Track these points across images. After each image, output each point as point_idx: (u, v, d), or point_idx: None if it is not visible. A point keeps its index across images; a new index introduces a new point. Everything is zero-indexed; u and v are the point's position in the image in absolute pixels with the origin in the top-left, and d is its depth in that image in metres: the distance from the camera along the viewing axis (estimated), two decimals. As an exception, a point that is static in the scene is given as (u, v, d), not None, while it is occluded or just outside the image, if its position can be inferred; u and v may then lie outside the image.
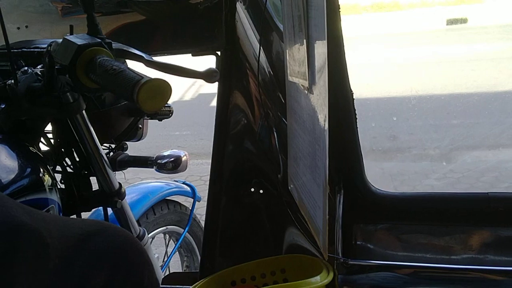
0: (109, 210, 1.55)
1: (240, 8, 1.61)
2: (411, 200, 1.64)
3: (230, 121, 1.69)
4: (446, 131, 5.70)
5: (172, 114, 1.80)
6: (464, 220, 1.59)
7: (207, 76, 1.32)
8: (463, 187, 4.58)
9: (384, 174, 5.00)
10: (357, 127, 1.63)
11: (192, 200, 2.41)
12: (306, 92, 1.23)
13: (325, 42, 1.06)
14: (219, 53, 1.65)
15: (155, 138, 6.03)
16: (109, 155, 1.71)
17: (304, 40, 1.19)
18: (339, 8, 1.47)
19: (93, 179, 1.48)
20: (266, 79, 1.66)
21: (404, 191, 1.87)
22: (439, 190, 4.51)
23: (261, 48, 1.61)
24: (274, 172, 1.71)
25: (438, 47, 9.70)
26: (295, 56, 1.30)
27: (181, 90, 8.45)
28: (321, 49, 1.10)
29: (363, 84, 7.50)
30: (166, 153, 1.83)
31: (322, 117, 1.12)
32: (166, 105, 1.74)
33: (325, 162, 1.12)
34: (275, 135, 1.69)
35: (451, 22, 11.59)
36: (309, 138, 1.26)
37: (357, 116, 1.63)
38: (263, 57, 1.64)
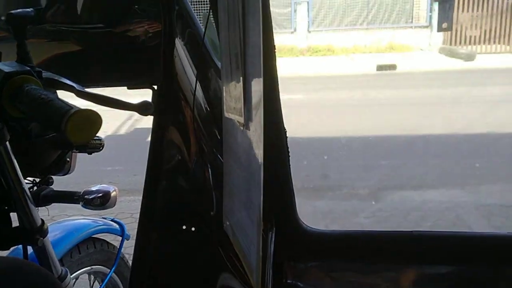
0: (30, 249, 1.45)
1: (178, 43, 1.62)
2: (341, 238, 1.67)
3: (163, 157, 1.66)
4: (375, 171, 5.93)
5: (103, 147, 1.74)
6: (391, 258, 1.64)
7: (141, 108, 1.30)
8: (390, 226, 4.75)
9: (316, 212, 5.09)
10: (289, 165, 1.66)
11: (121, 238, 2.31)
12: (242, 128, 1.24)
13: (261, 79, 1.09)
14: (155, 87, 1.64)
15: (85, 173, 5.80)
16: (33, 189, 1.63)
17: (241, 77, 1.21)
18: (275, 48, 1.52)
19: (14, 215, 1.40)
20: (202, 115, 1.66)
21: (335, 229, 1.91)
22: (368, 228, 4.65)
23: (198, 83, 1.62)
24: (207, 209, 1.69)
25: (369, 91, 10.20)
26: (231, 93, 1.31)
27: (116, 123, 8.26)
28: (257, 86, 1.12)
29: (297, 122, 7.71)
30: (94, 188, 1.76)
31: (258, 153, 1.14)
32: (97, 137, 1.69)
33: (260, 198, 1.13)
34: (210, 171, 1.68)
35: (381, 68, 12.25)
36: (244, 174, 1.27)
37: (289, 154, 1.66)
38: (200, 93, 1.64)
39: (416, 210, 5.01)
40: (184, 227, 1.70)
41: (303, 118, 8.17)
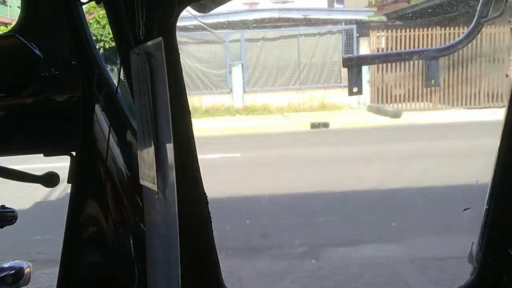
0: None
1: (98, 109, 1.60)
2: None
3: (81, 227, 1.60)
4: (312, 228, 5.98)
5: (16, 219, 1.64)
6: None
7: (46, 180, 1.25)
8: (331, 285, 4.75)
9: (258, 273, 5.02)
10: (212, 231, 1.64)
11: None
12: (156, 196, 1.23)
13: (171, 145, 1.09)
14: (74, 153, 1.59)
15: (11, 243, 5.43)
16: None
17: (152, 143, 1.21)
18: (190, 113, 1.54)
19: None
20: (123, 182, 1.63)
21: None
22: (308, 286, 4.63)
23: (119, 150, 1.60)
24: (129, 283, 1.62)
25: (304, 149, 10.48)
26: (145, 160, 1.31)
27: (46, 189, 7.90)
28: (168, 152, 1.12)
29: (234, 181, 7.72)
30: (6, 265, 1.64)
31: (174, 221, 1.12)
32: (9, 209, 1.60)
33: (178, 268, 1.10)
34: (131, 242, 1.63)
35: (314, 126, 12.66)
36: (163, 242, 1.24)
37: (211, 219, 1.65)
38: (120, 159, 1.62)
39: (354, 267, 5.06)
40: None
41: (240, 176, 8.20)
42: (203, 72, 15.31)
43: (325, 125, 12.59)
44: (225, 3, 1.66)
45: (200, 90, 15.30)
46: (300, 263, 5.27)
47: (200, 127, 12.53)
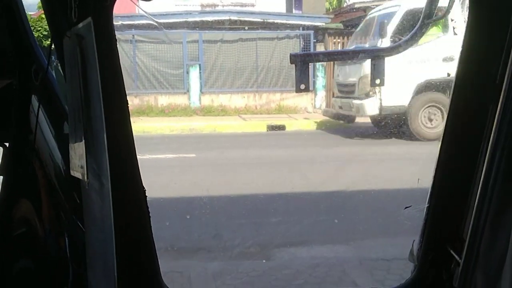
0: None
1: (34, 100, 1.54)
2: None
3: (13, 224, 1.52)
4: (266, 229, 6.00)
5: None
6: None
7: None
8: (281, 284, 4.77)
9: (207, 274, 4.98)
10: (151, 228, 1.61)
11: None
12: (86, 186, 1.19)
13: (104, 133, 1.05)
14: (7, 144, 1.52)
15: None
16: None
17: (83, 132, 1.17)
18: (127, 105, 1.50)
19: None
20: (59, 176, 1.56)
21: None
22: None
23: (55, 141, 1.53)
24: (62, 282, 1.55)
25: (260, 150, 10.52)
26: (75, 149, 1.26)
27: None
28: (100, 141, 1.08)
29: (190, 181, 7.65)
30: None
31: (107, 212, 1.08)
32: None
33: (113, 260, 1.06)
34: (66, 240, 1.56)
35: (271, 128, 12.76)
36: (100, 236, 1.20)
37: (150, 215, 1.61)
38: (57, 153, 1.55)
39: (305, 267, 5.10)
40: None
41: (195, 176, 8.13)
42: (160, 71, 15.13)
43: (281, 127, 12.71)
44: None
45: (156, 89, 15.11)
46: (251, 263, 5.27)
47: (155, 126, 12.38)
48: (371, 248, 5.49)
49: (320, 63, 14.46)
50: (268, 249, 5.50)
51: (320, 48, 15.25)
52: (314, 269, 5.03)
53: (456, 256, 1.74)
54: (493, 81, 1.64)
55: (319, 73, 15.26)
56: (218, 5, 16.92)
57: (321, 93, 15.35)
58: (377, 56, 1.79)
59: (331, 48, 15.14)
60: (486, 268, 1.65)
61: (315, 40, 15.44)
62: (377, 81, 1.82)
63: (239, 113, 14.85)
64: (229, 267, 5.12)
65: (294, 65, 1.75)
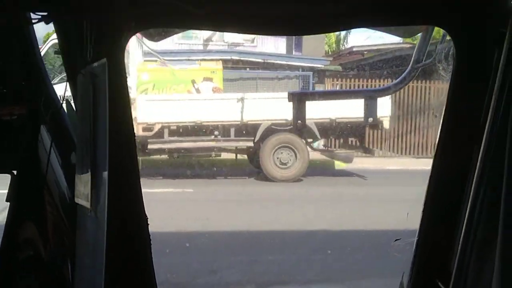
0: None
1: (43, 130, 1.61)
2: None
3: (18, 248, 1.57)
4: (261, 266, 5.97)
5: None
6: None
7: None
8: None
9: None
10: (151, 257, 1.65)
11: None
12: (89, 213, 1.25)
13: (106, 164, 1.12)
14: (15, 172, 1.59)
15: None
16: None
17: (90, 162, 1.24)
18: (134, 136, 1.57)
19: None
20: (64, 204, 1.62)
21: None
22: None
23: (63, 171, 1.60)
24: None
25: (258, 187, 10.56)
26: (81, 178, 1.33)
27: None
28: (103, 172, 1.15)
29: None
30: None
31: (101, 238, 1.13)
32: None
33: (101, 285, 1.11)
34: (69, 265, 1.61)
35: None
36: (90, 261, 1.25)
37: (151, 243, 1.66)
38: (63, 182, 1.62)
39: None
40: None
41: (193, 212, 8.12)
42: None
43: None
44: (173, 35, 1.74)
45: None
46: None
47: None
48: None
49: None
50: (265, 287, 5.47)
51: (319, 89, 15.47)
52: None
53: None
54: (477, 123, 1.75)
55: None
56: (219, 44, 17.19)
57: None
58: (369, 96, 1.91)
59: (330, 86, 15.37)
60: (473, 300, 1.69)
61: (314, 81, 15.68)
62: (370, 120, 1.92)
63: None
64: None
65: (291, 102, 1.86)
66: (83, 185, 1.34)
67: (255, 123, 11.33)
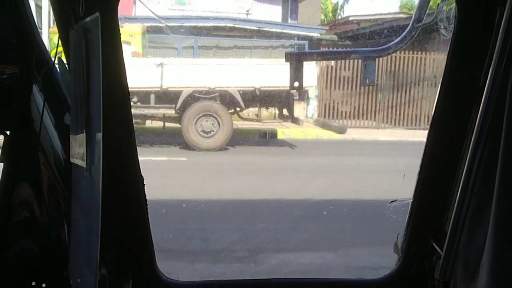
0: None
1: (35, 89, 1.58)
2: None
3: (13, 210, 1.55)
4: (254, 234, 6.03)
5: None
6: None
7: None
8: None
9: (195, 276, 5.00)
10: (148, 217, 1.65)
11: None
12: (85, 172, 1.23)
13: (101, 122, 1.10)
14: (8, 132, 1.56)
15: None
16: None
17: (84, 121, 1.21)
18: (129, 94, 1.55)
19: None
20: (59, 165, 1.60)
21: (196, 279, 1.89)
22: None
23: (55, 130, 1.58)
24: (62, 266, 1.59)
25: (250, 157, 10.58)
26: (76, 137, 1.30)
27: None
28: (97, 130, 1.13)
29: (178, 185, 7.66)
30: None
31: (97, 198, 1.12)
32: None
33: (97, 245, 1.10)
34: (65, 225, 1.60)
35: (263, 135, 12.76)
36: (86, 222, 1.23)
37: (147, 204, 1.65)
38: (56, 142, 1.59)
39: (292, 274, 5.13)
40: (33, 283, 1.58)
41: (185, 180, 8.15)
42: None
43: (273, 135, 12.74)
44: None
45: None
46: (239, 267, 5.29)
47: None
48: (358, 257, 5.54)
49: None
50: (256, 254, 5.52)
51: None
52: (301, 275, 5.05)
53: (438, 249, 1.81)
54: (477, 84, 1.73)
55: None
56: (212, 11, 16.95)
57: (314, 103, 15.45)
58: (368, 57, 1.87)
59: (325, 60, 15.26)
60: (466, 260, 1.72)
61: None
62: (368, 81, 1.89)
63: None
64: (217, 270, 5.14)
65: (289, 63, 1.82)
66: (78, 144, 1.31)
67: (176, 90, 10.99)
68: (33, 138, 1.56)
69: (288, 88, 1.83)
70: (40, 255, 1.58)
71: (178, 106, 10.99)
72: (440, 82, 1.86)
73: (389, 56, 14.19)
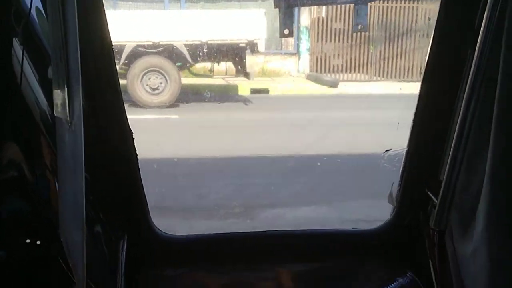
0: None
1: (16, 42, 1.51)
2: (198, 242, 1.67)
3: (0, 168, 1.51)
4: (249, 190, 6.08)
5: None
6: (247, 257, 1.67)
7: None
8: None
9: (193, 232, 5.03)
10: (139, 171, 1.63)
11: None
12: (68, 126, 1.19)
13: (79, 71, 1.05)
14: None
15: None
16: None
17: (65, 73, 1.16)
18: (111, 45, 1.49)
19: None
20: (46, 122, 1.55)
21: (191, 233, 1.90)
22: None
23: (40, 86, 1.52)
24: (52, 223, 1.57)
25: (243, 113, 10.51)
26: (58, 89, 1.25)
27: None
28: (75, 80, 1.08)
29: (174, 144, 7.64)
30: None
31: (79, 154, 1.08)
32: None
33: (82, 199, 1.07)
34: (56, 185, 1.57)
35: (254, 91, 12.68)
36: (72, 178, 1.20)
37: (138, 157, 1.63)
38: (41, 97, 1.54)
39: (288, 227, 5.19)
40: (28, 240, 1.57)
41: (178, 138, 8.12)
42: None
43: (265, 90, 12.65)
44: None
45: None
46: (235, 222, 5.35)
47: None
48: (353, 209, 5.60)
49: (304, 25, 14.31)
50: (252, 210, 5.59)
51: (305, 10, 15.05)
52: (297, 229, 5.12)
53: (433, 197, 1.81)
54: (471, 27, 1.68)
55: (303, 36, 15.12)
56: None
57: (305, 57, 15.25)
58: (359, 1, 1.79)
59: (316, 12, 14.96)
60: (461, 208, 1.71)
61: None
62: (359, 27, 1.82)
63: (223, 75, 14.69)
64: (214, 226, 5.19)
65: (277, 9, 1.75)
66: (60, 97, 1.26)
67: (119, 45, 10.38)
68: (16, 93, 1.51)
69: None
70: (33, 213, 1.57)
71: (121, 62, 10.40)
72: (434, 27, 1.80)
73: (381, 6, 13.95)
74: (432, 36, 1.84)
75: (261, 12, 11.02)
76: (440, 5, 1.76)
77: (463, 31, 1.72)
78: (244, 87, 12.44)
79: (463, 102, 1.65)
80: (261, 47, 11.76)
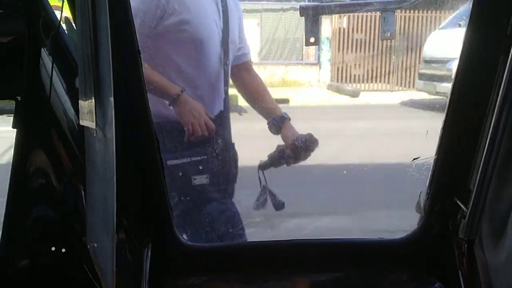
0: None
1: (44, 53, 1.54)
2: (221, 251, 1.66)
3: (28, 178, 1.53)
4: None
5: None
6: (271, 267, 1.65)
7: None
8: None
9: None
10: (165, 178, 1.62)
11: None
12: (95, 134, 1.19)
13: (111, 78, 1.05)
14: (19, 98, 1.53)
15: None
16: None
17: (93, 82, 1.17)
18: (139, 53, 1.50)
19: None
20: (73, 130, 1.57)
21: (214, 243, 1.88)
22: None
23: (66, 95, 1.54)
24: (80, 233, 1.58)
25: (264, 123, 10.50)
26: (85, 97, 1.26)
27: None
28: (107, 88, 1.08)
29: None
30: None
31: (110, 161, 1.08)
32: None
33: (113, 207, 1.07)
34: (83, 193, 1.58)
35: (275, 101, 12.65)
36: (102, 186, 1.20)
37: (163, 165, 1.63)
38: (68, 106, 1.56)
39: (309, 237, 5.14)
40: (53, 248, 1.58)
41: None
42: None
43: (285, 101, 12.64)
44: None
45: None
46: (256, 231, 5.31)
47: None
48: (375, 220, 5.52)
49: (325, 36, 14.30)
50: (273, 219, 5.54)
51: (326, 21, 15.05)
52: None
53: (463, 207, 1.76)
54: (504, 32, 1.64)
55: (324, 46, 15.10)
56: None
57: (326, 67, 15.23)
58: (386, 8, 1.78)
59: (337, 22, 14.95)
60: (492, 218, 1.67)
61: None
62: (387, 34, 1.81)
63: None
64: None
65: (304, 17, 1.75)
66: (86, 105, 1.27)
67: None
68: (44, 103, 1.53)
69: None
70: (58, 221, 1.58)
71: None
72: (464, 32, 1.77)
73: (403, 16, 13.87)
74: (462, 43, 1.81)
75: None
76: (471, 12, 1.73)
77: (495, 37, 1.69)
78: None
79: (496, 109, 1.62)
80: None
